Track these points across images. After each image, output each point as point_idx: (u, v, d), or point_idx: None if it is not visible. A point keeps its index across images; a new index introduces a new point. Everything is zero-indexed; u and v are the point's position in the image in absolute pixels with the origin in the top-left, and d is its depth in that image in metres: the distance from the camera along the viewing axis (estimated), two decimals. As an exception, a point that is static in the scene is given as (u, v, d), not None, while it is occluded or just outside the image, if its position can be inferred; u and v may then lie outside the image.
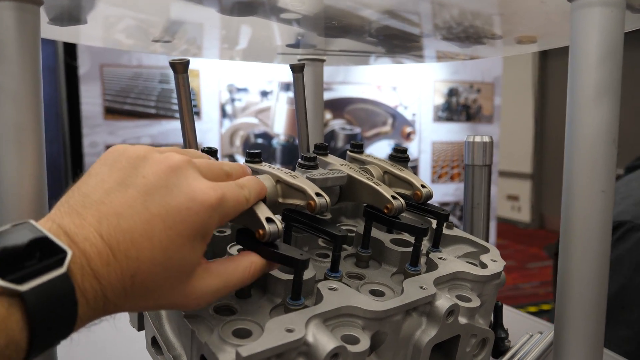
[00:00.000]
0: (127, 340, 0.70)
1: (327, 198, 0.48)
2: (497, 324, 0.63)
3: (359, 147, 0.64)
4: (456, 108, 3.60)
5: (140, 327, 0.55)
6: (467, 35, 0.64)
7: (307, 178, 0.52)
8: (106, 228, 0.31)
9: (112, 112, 2.74)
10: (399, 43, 0.68)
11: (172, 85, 2.89)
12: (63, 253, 0.29)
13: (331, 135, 3.30)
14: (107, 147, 2.68)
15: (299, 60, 0.82)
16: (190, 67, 0.49)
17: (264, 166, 0.54)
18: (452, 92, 3.58)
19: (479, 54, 0.85)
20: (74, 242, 0.30)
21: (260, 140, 3.07)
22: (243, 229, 0.44)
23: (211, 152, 0.52)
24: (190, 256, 0.34)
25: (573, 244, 0.46)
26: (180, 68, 0.47)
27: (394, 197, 0.52)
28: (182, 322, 0.43)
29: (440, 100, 3.55)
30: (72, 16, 0.53)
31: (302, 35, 0.65)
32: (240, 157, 3.01)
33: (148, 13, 0.55)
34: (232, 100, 3.01)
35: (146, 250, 0.31)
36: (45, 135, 0.47)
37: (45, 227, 0.30)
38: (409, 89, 3.47)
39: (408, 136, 3.49)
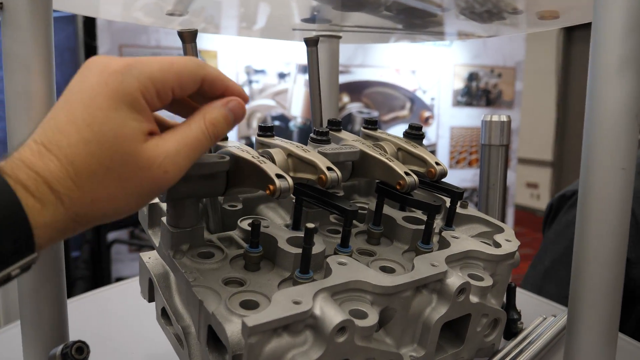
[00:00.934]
0: (138, 311, 0.70)
1: (339, 172, 0.47)
2: (509, 305, 0.62)
3: (373, 124, 0.63)
4: (476, 93, 3.55)
5: (151, 299, 0.56)
6: (487, 10, 0.62)
7: (319, 152, 0.52)
8: (38, 133, 0.33)
9: (131, 92, 2.75)
10: (416, 19, 0.66)
11: (190, 66, 2.89)
12: None
13: (348, 119, 3.28)
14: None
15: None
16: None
17: (276, 140, 0.54)
18: (472, 77, 3.53)
19: (499, 32, 0.83)
20: (13, 154, 0.32)
21: (277, 123, 3.07)
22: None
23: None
24: (121, 125, 0.34)
25: (590, 224, 0.44)
26: (189, 37, 0.47)
27: (406, 174, 0.51)
28: (190, 293, 0.43)
29: (460, 84, 3.50)
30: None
31: (317, 9, 0.64)
32: (257, 139, 3.01)
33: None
34: (250, 82, 3.00)
35: (74, 133, 0.33)
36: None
37: None
38: (428, 73, 3.42)
39: (426, 121, 3.45)
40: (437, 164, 0.57)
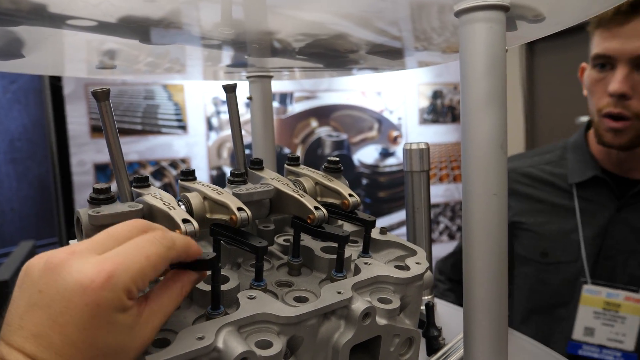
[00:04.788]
0: None
1: (249, 212, 0.51)
2: (429, 323, 0.65)
3: (295, 160, 0.67)
4: (441, 110, 3.64)
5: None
6: (389, 49, 0.67)
7: (234, 194, 0.55)
8: (30, 349, 0.33)
9: (99, 130, 2.77)
10: (328, 60, 0.71)
11: (157, 101, 2.93)
12: None
13: (318, 143, 3.34)
14: (95, 165, 2.73)
15: (247, 77, 0.86)
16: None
17: (196, 184, 0.58)
18: (436, 95, 3.62)
19: (411, 66, 0.88)
20: None
21: (247, 151, 3.10)
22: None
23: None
24: (122, 331, 0.36)
25: (473, 245, 0.49)
26: (102, 96, 0.50)
27: (316, 208, 0.55)
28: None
29: (425, 103, 3.58)
30: (8, 52, 0.57)
31: (236, 57, 0.68)
32: (228, 168, 3.04)
33: (77, 48, 0.59)
34: (218, 112, 3.04)
35: (75, 354, 0.34)
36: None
37: None
38: (393, 94, 3.50)
39: (395, 140, 3.52)
40: (351, 195, 0.61)
